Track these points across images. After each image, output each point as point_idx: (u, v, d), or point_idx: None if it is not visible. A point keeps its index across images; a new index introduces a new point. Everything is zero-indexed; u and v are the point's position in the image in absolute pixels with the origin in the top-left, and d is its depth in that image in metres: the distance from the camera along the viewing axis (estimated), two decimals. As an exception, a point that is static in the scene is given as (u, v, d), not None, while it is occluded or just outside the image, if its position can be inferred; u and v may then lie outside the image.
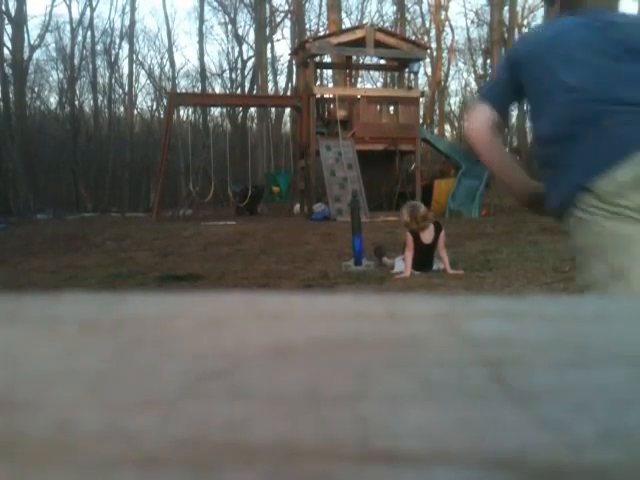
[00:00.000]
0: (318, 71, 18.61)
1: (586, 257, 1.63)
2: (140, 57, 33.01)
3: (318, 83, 16.95)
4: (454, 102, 38.57)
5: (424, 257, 5.38)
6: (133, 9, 30.66)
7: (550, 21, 1.84)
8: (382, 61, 17.92)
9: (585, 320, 0.40)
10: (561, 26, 1.70)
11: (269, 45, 28.99)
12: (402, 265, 5.44)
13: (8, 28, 24.80)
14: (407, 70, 15.57)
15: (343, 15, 25.64)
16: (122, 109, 32.41)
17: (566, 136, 1.58)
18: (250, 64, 30.66)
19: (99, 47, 30.53)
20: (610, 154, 1.52)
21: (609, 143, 1.53)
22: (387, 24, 28.56)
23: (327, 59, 17.28)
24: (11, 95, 25.00)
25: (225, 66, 33.10)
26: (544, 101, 1.65)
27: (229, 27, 32.36)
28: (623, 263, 1.56)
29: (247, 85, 30.57)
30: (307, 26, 28.79)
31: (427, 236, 5.35)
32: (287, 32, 30.92)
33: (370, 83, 28.51)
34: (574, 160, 1.57)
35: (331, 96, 15.09)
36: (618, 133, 1.53)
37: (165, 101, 24.59)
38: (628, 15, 1.85)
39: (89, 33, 30.05)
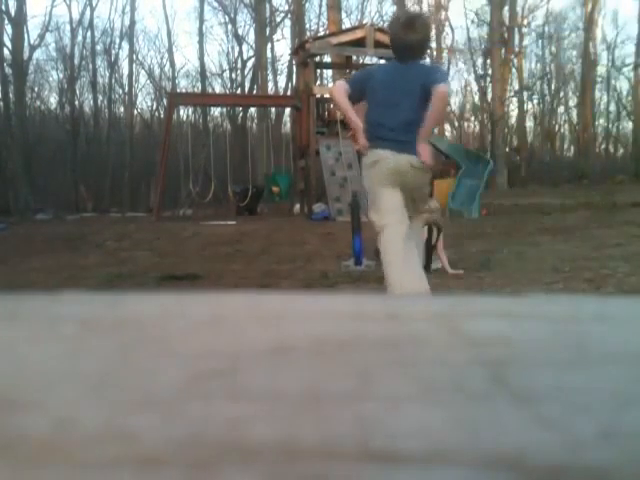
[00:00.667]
0: (318, 71, 18.60)
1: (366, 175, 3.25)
2: (140, 57, 33.00)
3: (318, 83, 16.95)
4: (454, 102, 38.58)
5: (426, 256, 5.41)
6: (133, 9, 30.63)
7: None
8: (382, 61, 17.92)
9: (585, 320, 0.40)
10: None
11: (269, 45, 28.97)
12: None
13: (8, 28, 24.77)
14: (407, 70, 15.56)
15: (343, 15, 25.57)
16: (122, 109, 32.44)
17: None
18: (250, 64, 30.65)
19: (99, 47, 30.48)
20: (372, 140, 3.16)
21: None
22: (387, 24, 28.54)
23: (327, 59, 17.28)
24: (11, 95, 24.98)
25: (225, 66, 33.08)
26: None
27: (229, 27, 32.33)
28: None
29: (247, 85, 30.55)
30: (307, 26, 28.73)
31: (433, 236, 5.39)
32: (287, 32, 30.89)
33: (370, 83, 28.45)
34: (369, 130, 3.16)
35: (331, 96, 15.06)
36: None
37: (165, 101, 24.59)
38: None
39: (89, 33, 30.00)
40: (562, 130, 32.44)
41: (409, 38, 3.05)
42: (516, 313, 0.42)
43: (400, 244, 2.93)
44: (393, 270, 2.90)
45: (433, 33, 27.97)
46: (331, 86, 3.80)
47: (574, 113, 30.89)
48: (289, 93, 26.25)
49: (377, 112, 3.09)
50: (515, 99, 28.65)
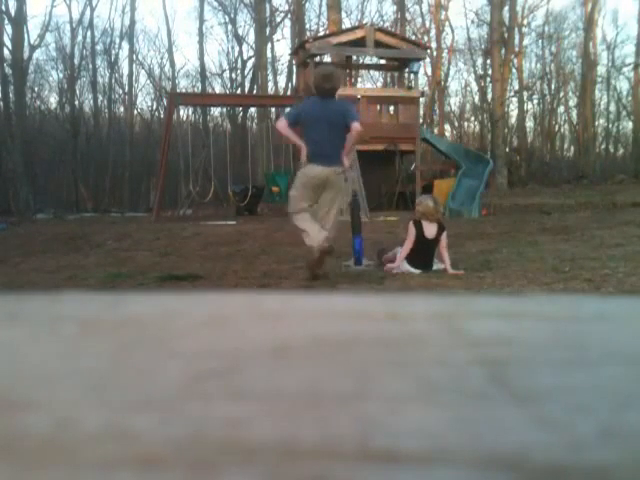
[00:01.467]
0: (318, 71, 18.62)
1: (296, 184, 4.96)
2: (140, 57, 33.00)
3: (318, 83, 16.96)
4: (454, 102, 38.57)
5: (425, 252, 5.30)
6: (133, 9, 30.64)
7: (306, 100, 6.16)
8: (382, 61, 17.94)
9: (585, 320, 0.40)
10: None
11: (269, 45, 28.96)
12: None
13: (8, 28, 24.75)
14: (407, 70, 15.57)
15: (343, 15, 25.54)
16: (122, 109, 32.44)
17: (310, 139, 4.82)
18: (250, 64, 30.67)
19: (99, 47, 30.48)
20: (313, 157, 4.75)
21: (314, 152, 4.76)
22: (387, 24, 28.50)
23: (327, 59, 17.29)
24: (11, 95, 24.96)
25: (225, 66, 33.10)
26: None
27: (229, 27, 32.34)
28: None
29: (247, 85, 30.55)
30: (307, 26, 28.69)
31: (430, 230, 5.29)
32: (287, 32, 30.90)
33: (370, 83, 28.49)
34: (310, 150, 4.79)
35: (331, 96, 15.02)
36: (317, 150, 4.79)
37: (165, 101, 24.61)
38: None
39: (89, 33, 29.98)
40: (562, 130, 32.46)
41: (326, 86, 4.73)
42: (516, 313, 0.42)
43: (308, 219, 4.80)
44: (308, 231, 4.76)
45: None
46: (276, 124, 5.72)
47: (574, 113, 30.91)
48: (289, 93, 26.24)
49: (311, 137, 4.68)
50: (515, 99, 28.66)
